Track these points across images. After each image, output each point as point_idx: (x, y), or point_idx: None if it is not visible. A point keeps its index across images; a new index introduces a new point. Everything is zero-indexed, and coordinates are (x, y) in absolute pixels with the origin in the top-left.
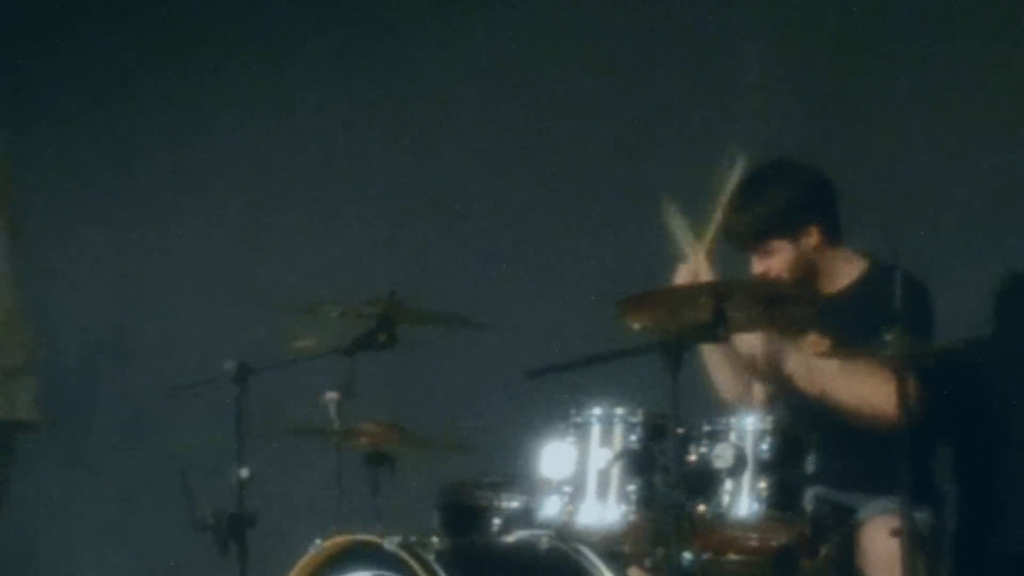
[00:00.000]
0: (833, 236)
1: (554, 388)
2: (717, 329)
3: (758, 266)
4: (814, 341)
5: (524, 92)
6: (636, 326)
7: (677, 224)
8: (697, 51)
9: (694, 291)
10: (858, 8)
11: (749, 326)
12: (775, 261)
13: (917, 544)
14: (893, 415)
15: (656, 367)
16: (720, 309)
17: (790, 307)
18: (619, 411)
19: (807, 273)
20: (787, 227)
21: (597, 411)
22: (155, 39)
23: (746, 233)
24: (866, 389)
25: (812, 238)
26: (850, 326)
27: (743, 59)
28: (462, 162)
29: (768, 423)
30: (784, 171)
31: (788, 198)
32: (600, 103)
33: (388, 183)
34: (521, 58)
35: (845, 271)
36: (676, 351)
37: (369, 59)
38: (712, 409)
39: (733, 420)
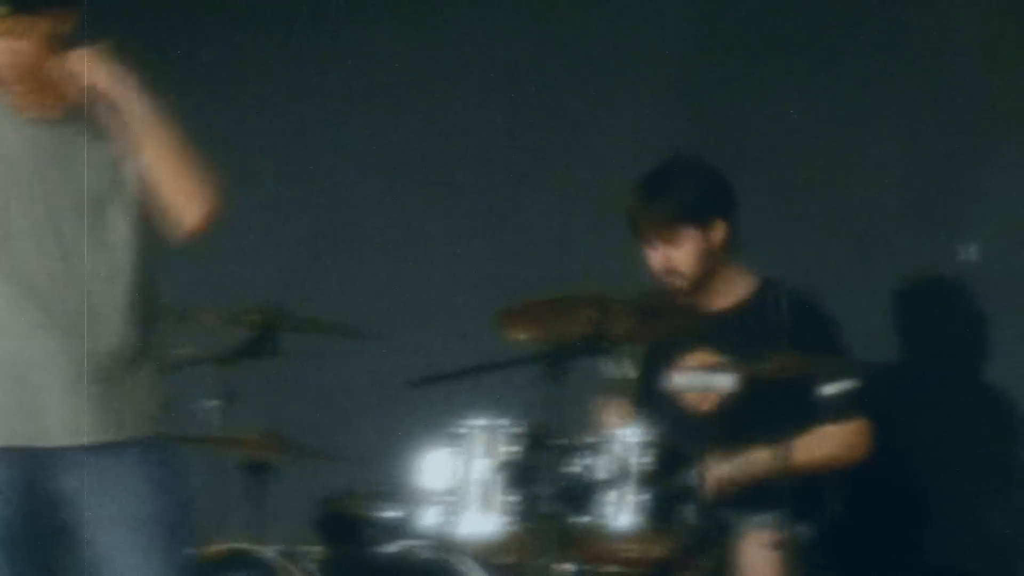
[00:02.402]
0: (734, 242)
1: (437, 398)
2: (599, 341)
3: (658, 258)
4: (702, 359)
5: (408, 97)
6: (519, 337)
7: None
8: (583, 54)
9: (575, 303)
10: (747, 9)
11: (630, 338)
12: (682, 252)
13: (795, 558)
14: (857, 455)
15: (539, 379)
16: (601, 321)
17: (671, 320)
18: (501, 422)
19: (708, 272)
20: (699, 214)
21: (479, 422)
22: None
23: (657, 219)
24: (825, 452)
25: (719, 233)
26: (739, 344)
27: (629, 62)
28: (346, 167)
29: (650, 436)
30: (694, 164)
31: (700, 186)
32: (486, 108)
33: (271, 190)
34: (404, 62)
35: (736, 287)
36: (558, 362)
37: (252, 62)
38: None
39: (616, 432)
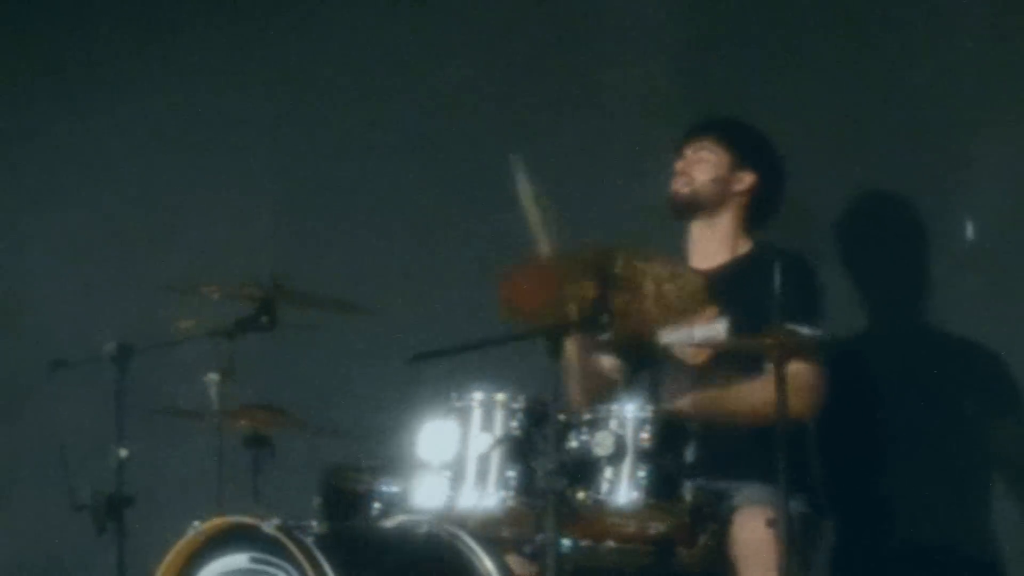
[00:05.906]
0: (756, 214)
1: (437, 373)
2: (600, 315)
3: (682, 163)
4: (710, 316)
5: (407, 74)
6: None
7: (525, 190)
8: (579, 10)
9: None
10: None
11: (633, 312)
12: (701, 167)
13: (789, 532)
14: (808, 408)
15: (538, 353)
16: (603, 295)
17: (673, 288)
18: (500, 396)
19: (712, 201)
20: (739, 148)
21: (478, 396)
22: (33, 19)
23: (705, 133)
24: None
25: (745, 180)
26: (731, 301)
27: (626, 11)
28: (346, 144)
29: (648, 411)
30: (762, 134)
31: (755, 135)
32: (484, 79)
33: (272, 164)
34: (402, 43)
35: (730, 245)
36: (558, 337)
37: (258, 42)
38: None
39: (614, 408)
